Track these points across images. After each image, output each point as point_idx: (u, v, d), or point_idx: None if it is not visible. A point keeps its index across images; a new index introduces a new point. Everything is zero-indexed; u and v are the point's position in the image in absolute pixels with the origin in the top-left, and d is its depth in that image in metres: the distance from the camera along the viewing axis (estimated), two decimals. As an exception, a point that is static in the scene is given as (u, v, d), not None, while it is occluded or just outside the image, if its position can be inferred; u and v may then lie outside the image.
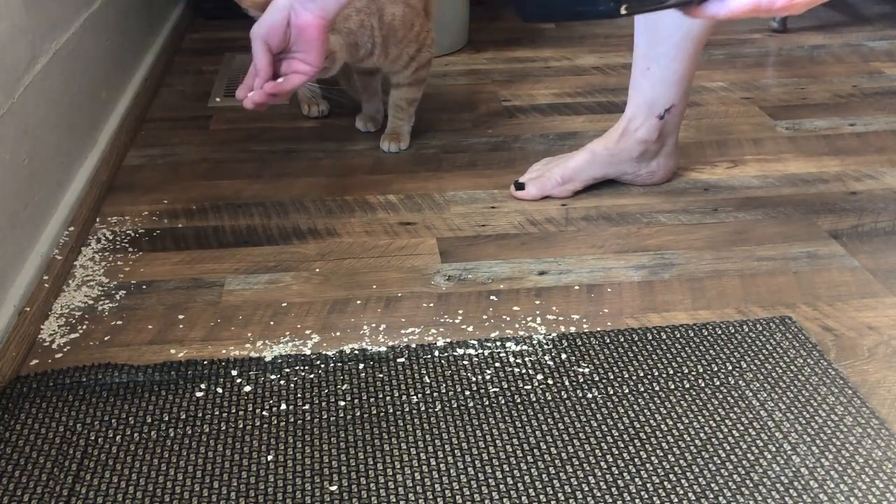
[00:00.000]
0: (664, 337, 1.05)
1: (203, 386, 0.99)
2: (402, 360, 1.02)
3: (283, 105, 1.74)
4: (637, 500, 0.83)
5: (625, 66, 1.96)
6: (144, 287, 1.17)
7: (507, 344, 1.04)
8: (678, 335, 1.05)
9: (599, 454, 0.88)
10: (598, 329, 1.07)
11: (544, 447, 0.89)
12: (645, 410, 0.94)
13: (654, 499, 0.83)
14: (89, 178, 1.39)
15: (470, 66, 1.96)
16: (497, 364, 1.01)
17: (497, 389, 0.97)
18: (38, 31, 1.24)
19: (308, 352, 1.04)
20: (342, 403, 0.96)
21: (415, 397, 0.96)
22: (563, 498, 0.83)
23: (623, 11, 1.09)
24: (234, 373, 1.00)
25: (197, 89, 1.85)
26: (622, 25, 2.20)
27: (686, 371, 0.99)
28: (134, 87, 1.73)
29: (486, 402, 0.95)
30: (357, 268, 1.22)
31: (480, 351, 1.03)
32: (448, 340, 1.05)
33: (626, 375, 0.99)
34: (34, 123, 1.20)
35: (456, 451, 0.89)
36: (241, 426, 0.93)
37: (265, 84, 1.16)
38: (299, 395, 0.97)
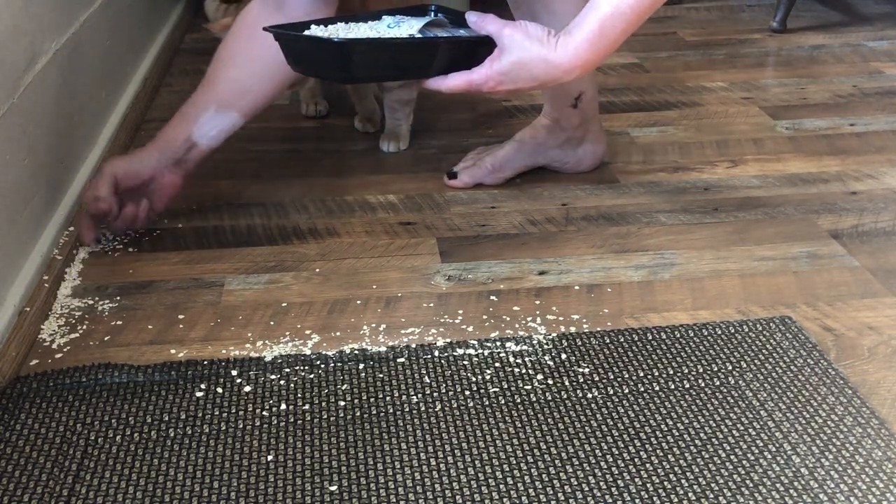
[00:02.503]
0: (664, 337, 1.05)
1: (203, 386, 0.99)
2: (402, 360, 1.02)
3: (283, 105, 1.74)
4: (637, 500, 0.83)
5: (624, 65, 1.96)
6: (144, 287, 1.17)
7: (507, 344, 1.04)
8: (678, 335, 1.05)
9: (599, 454, 0.88)
10: (598, 329, 1.07)
11: (544, 447, 0.89)
12: (645, 410, 0.94)
13: (654, 499, 0.83)
14: (89, 178, 1.39)
15: (470, 66, 1.96)
16: (497, 364, 1.01)
17: (497, 389, 0.97)
18: (38, 31, 1.24)
19: (308, 352, 1.04)
20: (342, 403, 0.96)
21: (415, 397, 0.96)
22: (563, 498, 0.83)
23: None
24: (234, 373, 1.00)
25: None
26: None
27: (686, 371, 0.99)
28: (134, 87, 1.73)
29: (486, 402, 0.95)
30: (357, 268, 1.22)
31: (480, 351, 1.03)
32: (448, 340, 1.05)
33: (626, 375, 0.99)
34: (34, 123, 1.20)
35: (456, 451, 0.89)
36: (241, 426, 0.93)
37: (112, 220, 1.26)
38: (299, 395, 0.97)
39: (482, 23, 1.06)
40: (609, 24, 1.02)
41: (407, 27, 1.10)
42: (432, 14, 1.15)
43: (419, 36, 1.09)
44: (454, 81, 1.07)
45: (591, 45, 1.02)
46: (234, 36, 1.29)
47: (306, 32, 1.10)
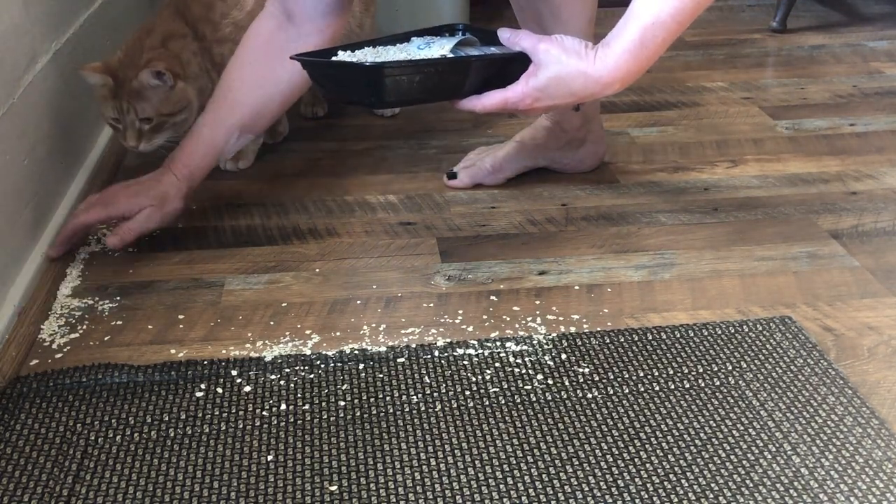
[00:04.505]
0: (664, 337, 1.05)
1: (203, 386, 0.99)
2: (402, 360, 1.02)
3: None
4: (637, 500, 0.83)
5: (625, 66, 1.96)
6: (144, 287, 1.17)
7: (507, 344, 1.04)
8: (678, 335, 1.05)
9: (599, 454, 0.88)
10: (598, 329, 1.07)
11: (544, 447, 0.89)
12: (645, 410, 0.94)
13: (654, 499, 0.83)
14: (89, 178, 1.39)
15: (470, 66, 1.96)
16: (497, 364, 1.01)
17: (497, 389, 0.97)
18: (38, 31, 1.24)
19: (308, 352, 1.04)
20: (342, 403, 0.96)
21: (415, 397, 0.96)
22: (563, 498, 0.83)
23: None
24: (234, 373, 1.00)
25: (197, 89, 1.85)
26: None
27: (686, 371, 0.99)
28: (134, 87, 1.72)
29: (486, 402, 0.95)
30: (357, 268, 1.22)
31: (480, 351, 1.03)
32: (448, 340, 1.05)
33: (626, 375, 0.99)
34: (34, 123, 1.20)
35: (456, 451, 0.89)
36: (241, 426, 0.93)
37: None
38: (299, 395, 0.97)
39: (515, 38, 1.04)
40: (650, 35, 0.98)
41: (438, 48, 1.08)
42: (460, 33, 1.13)
43: (451, 56, 1.07)
44: (489, 101, 1.04)
45: (633, 56, 0.99)
46: (251, 55, 1.26)
47: (334, 59, 1.08)
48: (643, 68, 1.01)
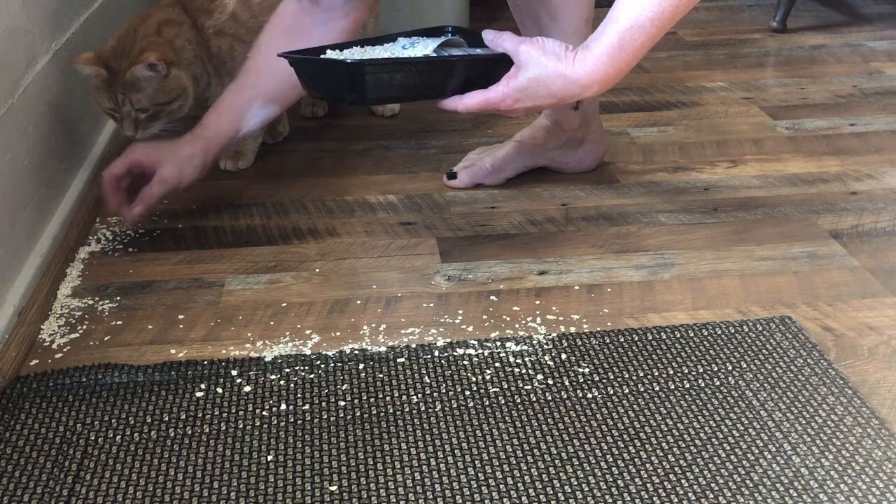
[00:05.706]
0: (664, 337, 1.05)
1: (203, 386, 0.99)
2: (402, 360, 1.02)
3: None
4: (637, 500, 0.83)
5: (625, 66, 1.96)
6: (144, 287, 1.17)
7: (507, 344, 1.04)
8: (678, 335, 1.05)
9: (599, 454, 0.88)
10: (598, 329, 1.07)
11: (544, 447, 0.89)
12: (645, 410, 0.94)
13: (654, 499, 0.83)
14: (89, 178, 1.39)
15: (470, 66, 1.96)
16: (497, 364, 1.01)
17: (497, 389, 0.97)
18: (38, 31, 1.24)
19: (308, 352, 1.04)
20: (342, 403, 0.96)
21: (415, 397, 0.96)
22: (563, 498, 0.83)
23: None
24: (234, 373, 1.00)
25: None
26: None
27: (686, 371, 0.99)
28: (134, 87, 1.72)
29: (486, 402, 0.95)
30: (357, 268, 1.22)
31: (480, 351, 1.03)
32: (448, 340, 1.05)
33: (626, 375, 0.99)
34: (34, 123, 1.20)
35: (456, 451, 0.89)
36: (241, 426, 0.93)
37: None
38: (299, 395, 0.97)
39: (499, 40, 1.05)
40: (628, 38, 0.99)
41: (421, 47, 1.10)
42: (448, 35, 1.15)
43: (433, 55, 1.08)
44: (471, 101, 1.06)
45: (611, 58, 1.00)
46: (274, 36, 1.29)
47: (322, 57, 1.10)
48: (622, 71, 1.02)
